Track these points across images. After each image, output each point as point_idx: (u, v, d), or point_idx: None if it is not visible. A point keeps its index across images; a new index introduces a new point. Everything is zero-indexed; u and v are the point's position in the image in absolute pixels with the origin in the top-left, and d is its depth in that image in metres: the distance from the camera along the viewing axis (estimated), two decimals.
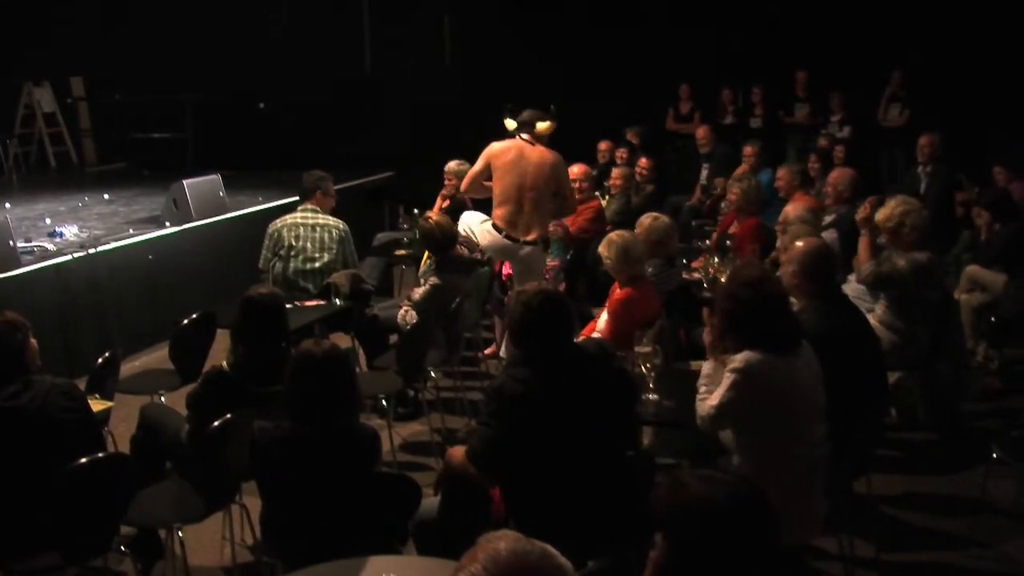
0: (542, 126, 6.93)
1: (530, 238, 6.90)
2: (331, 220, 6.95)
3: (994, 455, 4.69)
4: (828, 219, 7.29)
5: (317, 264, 6.79)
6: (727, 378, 3.78)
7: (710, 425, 3.91)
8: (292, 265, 6.78)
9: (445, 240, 6.46)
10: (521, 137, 6.95)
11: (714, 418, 3.84)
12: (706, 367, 4.09)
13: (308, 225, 6.86)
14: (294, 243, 6.79)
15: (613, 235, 5.64)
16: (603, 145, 10.99)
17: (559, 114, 7.00)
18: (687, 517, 2.22)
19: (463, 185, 7.28)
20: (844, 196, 7.51)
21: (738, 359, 3.76)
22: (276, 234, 6.86)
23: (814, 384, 3.87)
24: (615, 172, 9.46)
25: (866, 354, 4.62)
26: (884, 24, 11.68)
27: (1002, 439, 4.88)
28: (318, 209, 6.96)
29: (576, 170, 8.07)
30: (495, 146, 7.02)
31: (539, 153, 6.90)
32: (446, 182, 8.95)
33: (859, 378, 4.35)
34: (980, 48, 11.19)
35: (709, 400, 3.88)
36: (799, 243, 4.83)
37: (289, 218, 6.94)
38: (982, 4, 11.22)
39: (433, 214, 6.76)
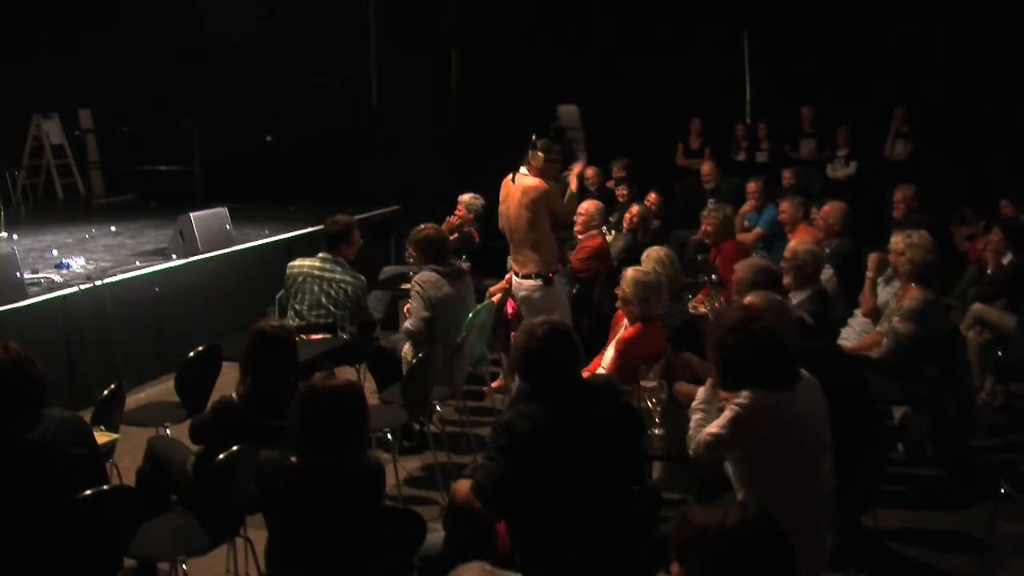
0: (534, 159, 6.76)
1: (524, 271, 6.86)
2: (348, 277, 6.80)
3: (1002, 491, 4.66)
4: None
5: (322, 320, 6.69)
6: (730, 410, 3.77)
7: (704, 452, 3.87)
8: (303, 310, 6.71)
9: (437, 246, 6.62)
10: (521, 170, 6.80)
11: (710, 446, 3.82)
12: (700, 393, 4.09)
13: (325, 279, 6.73)
14: (306, 293, 6.71)
15: (639, 272, 5.50)
16: (589, 171, 10.17)
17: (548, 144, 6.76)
18: (702, 545, 2.27)
19: None
20: (835, 229, 7.46)
21: (743, 395, 3.76)
22: (291, 280, 6.80)
23: (819, 419, 3.86)
24: (633, 209, 9.31)
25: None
26: (889, 59, 11.74)
27: (1010, 474, 4.85)
28: (339, 261, 6.83)
29: (585, 206, 8.05)
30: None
31: (518, 188, 6.76)
32: (456, 212, 8.98)
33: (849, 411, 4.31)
34: (985, 82, 11.25)
35: (707, 428, 3.87)
36: (791, 243, 5.04)
37: (307, 265, 6.81)
38: (986, 39, 11.27)
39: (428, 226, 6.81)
